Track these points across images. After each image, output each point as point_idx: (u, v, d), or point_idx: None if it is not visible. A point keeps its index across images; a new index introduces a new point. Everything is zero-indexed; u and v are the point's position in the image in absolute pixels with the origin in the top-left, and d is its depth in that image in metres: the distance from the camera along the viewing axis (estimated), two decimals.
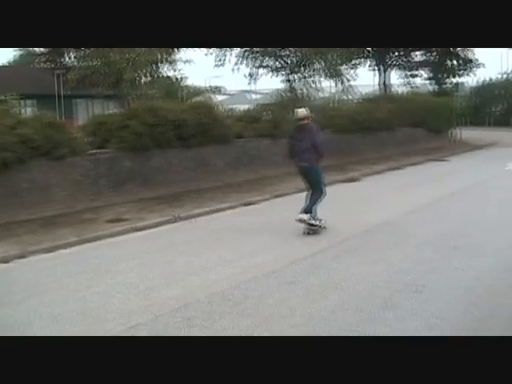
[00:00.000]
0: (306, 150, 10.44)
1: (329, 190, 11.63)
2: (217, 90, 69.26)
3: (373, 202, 13.85)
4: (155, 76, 21.62)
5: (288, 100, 23.01)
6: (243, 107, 26.76)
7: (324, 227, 10.39)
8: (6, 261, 8.93)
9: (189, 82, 41.02)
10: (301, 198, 11.06)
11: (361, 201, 14.08)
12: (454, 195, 14.66)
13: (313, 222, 10.33)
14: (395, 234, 10.29)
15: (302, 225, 10.24)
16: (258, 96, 56.13)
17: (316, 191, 10.61)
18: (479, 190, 15.78)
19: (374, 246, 9.32)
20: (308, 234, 10.23)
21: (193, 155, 15.75)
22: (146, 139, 14.26)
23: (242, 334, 5.63)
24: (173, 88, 29.86)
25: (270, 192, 15.24)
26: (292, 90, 23.46)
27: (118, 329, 5.83)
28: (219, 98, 61.72)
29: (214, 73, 72.62)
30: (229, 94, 70.29)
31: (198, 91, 40.90)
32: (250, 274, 7.69)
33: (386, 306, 6.41)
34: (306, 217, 10.25)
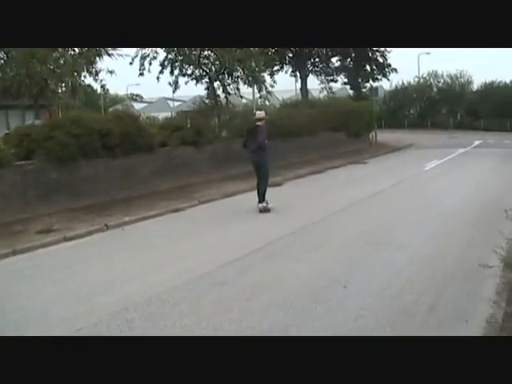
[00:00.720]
0: (257, 147, 13.44)
1: (253, 194, 13.80)
2: (136, 97, 68.88)
3: (297, 205, 14.41)
4: (78, 85, 21.53)
5: (208, 107, 23.44)
6: (163, 115, 26.99)
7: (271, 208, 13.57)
8: None
9: (111, 91, 40.82)
10: (227, 203, 11.68)
11: (285, 204, 14.58)
12: (376, 196, 15.43)
13: (268, 206, 13.60)
14: (321, 233, 10.86)
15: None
16: (178, 103, 56.25)
17: (262, 181, 13.72)
18: (399, 190, 16.65)
19: (301, 246, 9.83)
20: (263, 211, 13.43)
21: (119, 164, 15.87)
22: (73, 149, 14.28)
23: (184, 332, 5.98)
24: (93, 97, 29.70)
25: (197, 198, 15.53)
26: (211, 96, 23.75)
27: (63, 333, 6.06)
28: (139, 105, 61.47)
29: (137, 81, 72.25)
30: (149, 102, 69.97)
31: (117, 99, 40.74)
32: (185, 277, 8.03)
33: (315, 301, 6.89)
34: (262, 205, 13.54)
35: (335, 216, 12.58)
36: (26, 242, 10.76)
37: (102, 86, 23.10)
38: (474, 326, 5.93)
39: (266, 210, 13.39)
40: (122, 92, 69.78)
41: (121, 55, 22.26)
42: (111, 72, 22.08)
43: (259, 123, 13.79)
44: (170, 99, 59.40)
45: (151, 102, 67.90)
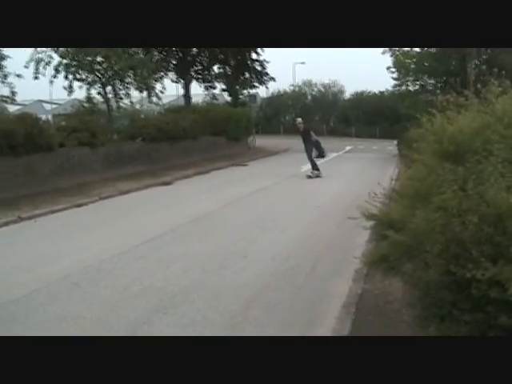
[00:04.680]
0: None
1: (147, 192, 16.57)
2: (7, 99, 67.11)
3: (190, 200, 16.13)
4: None
5: (86, 111, 24.43)
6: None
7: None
8: None
9: None
10: (125, 199, 15.48)
11: (179, 199, 16.29)
12: (259, 192, 17.45)
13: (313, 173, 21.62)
14: (216, 221, 12.66)
15: None
16: (54, 106, 55.84)
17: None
18: (280, 188, 18.84)
19: (201, 231, 11.60)
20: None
21: (22, 163, 16.84)
22: None
23: (121, 290, 7.59)
24: None
25: (96, 195, 16.79)
26: (90, 100, 24.78)
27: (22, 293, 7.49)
28: (12, 108, 60.14)
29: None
30: (22, 104, 68.58)
31: None
32: (110, 253, 9.55)
33: (222, 267, 8.71)
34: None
35: (226, 208, 14.42)
36: None
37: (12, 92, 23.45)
38: (346, 278, 8.00)
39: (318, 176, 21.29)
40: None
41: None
42: (18, 76, 22.69)
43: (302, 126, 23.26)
44: (45, 102, 58.55)
45: (25, 105, 66.60)
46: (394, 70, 36.25)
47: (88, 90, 23.59)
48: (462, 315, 4.57)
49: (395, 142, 36.02)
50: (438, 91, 21.67)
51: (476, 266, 4.26)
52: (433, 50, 33.78)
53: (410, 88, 36.46)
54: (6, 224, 12.70)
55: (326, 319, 6.51)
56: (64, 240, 10.89)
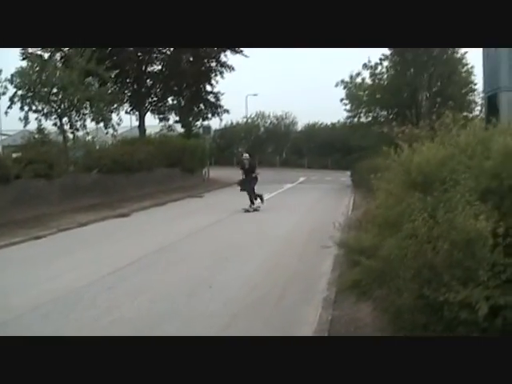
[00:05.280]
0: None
1: (105, 224, 16.78)
2: None
3: (149, 231, 16.16)
4: None
5: (37, 142, 23.84)
6: None
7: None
8: None
9: None
10: (83, 231, 15.93)
11: (137, 232, 16.32)
12: (217, 223, 17.63)
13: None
14: (178, 252, 12.76)
15: None
16: (3, 137, 55.07)
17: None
18: (236, 219, 19.02)
19: (165, 261, 11.72)
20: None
21: None
22: None
23: (92, 321, 7.61)
24: None
25: (55, 227, 16.65)
26: (41, 131, 24.59)
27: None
28: None
29: None
30: None
31: None
32: (76, 284, 9.56)
33: (189, 296, 8.82)
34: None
35: (187, 239, 14.52)
36: None
37: None
38: (315, 305, 8.19)
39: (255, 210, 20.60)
40: None
41: None
42: None
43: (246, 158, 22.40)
44: None
45: None
46: (346, 102, 37.07)
47: (44, 120, 23.44)
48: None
49: (348, 172, 36.69)
50: (395, 123, 22.36)
51: (448, 289, 4.53)
52: (384, 82, 34.76)
53: (363, 119, 37.25)
54: None
55: None
56: (27, 271, 10.82)
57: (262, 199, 21.48)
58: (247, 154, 23.33)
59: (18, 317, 7.80)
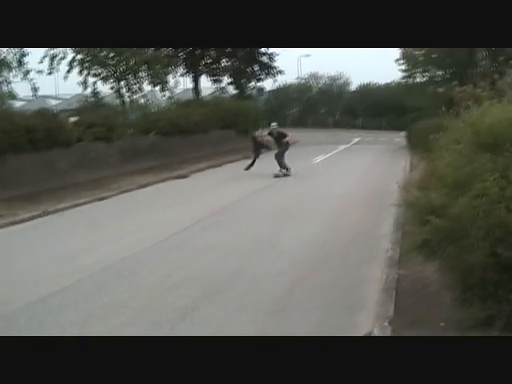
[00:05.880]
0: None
1: (165, 185, 17.36)
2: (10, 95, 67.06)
3: (209, 193, 16.36)
4: None
5: (92, 105, 24.19)
6: None
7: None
8: None
9: None
10: (144, 192, 16.15)
11: (198, 192, 16.55)
12: (276, 184, 17.68)
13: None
14: (243, 211, 12.95)
15: None
16: (59, 101, 55.96)
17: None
18: (297, 179, 19.14)
19: (232, 220, 11.96)
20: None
21: (42, 158, 17.07)
22: (3, 144, 15.41)
23: (163, 279, 7.82)
24: None
25: (116, 189, 17.03)
26: (96, 95, 24.88)
27: (66, 283, 7.73)
28: (18, 103, 60.13)
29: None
30: (27, 100, 68.55)
31: None
32: (142, 244, 9.79)
33: (256, 254, 8.96)
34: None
35: (249, 199, 14.70)
36: None
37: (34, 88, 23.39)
38: (380, 265, 8.22)
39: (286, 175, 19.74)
40: None
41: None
42: (40, 72, 22.75)
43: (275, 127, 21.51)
44: (50, 97, 58.59)
45: (29, 101, 66.56)
46: (402, 61, 36.30)
47: (102, 84, 23.73)
48: (506, 294, 4.84)
49: (402, 133, 36.17)
50: (456, 82, 21.87)
51: None
52: None
53: (418, 80, 36.48)
54: (32, 218, 12.91)
55: (368, 303, 6.75)
56: (94, 232, 11.13)
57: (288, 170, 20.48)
58: (275, 123, 22.48)
59: (91, 275, 8.05)
